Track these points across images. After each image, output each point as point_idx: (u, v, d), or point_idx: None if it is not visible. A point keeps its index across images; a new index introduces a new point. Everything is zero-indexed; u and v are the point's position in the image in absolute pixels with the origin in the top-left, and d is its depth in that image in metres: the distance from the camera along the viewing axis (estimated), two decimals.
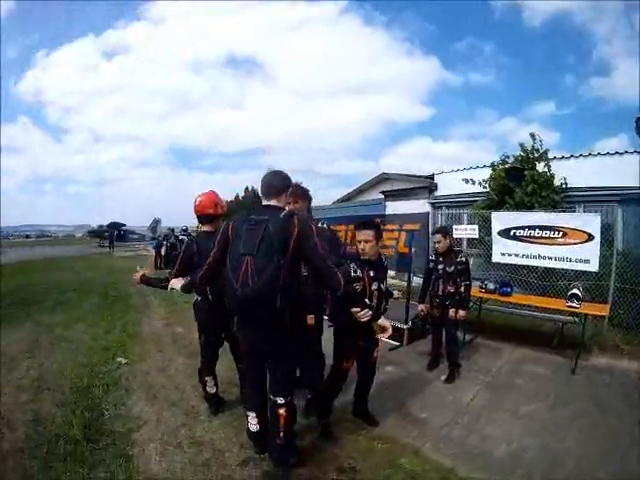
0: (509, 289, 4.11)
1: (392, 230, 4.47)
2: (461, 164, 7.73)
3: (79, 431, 2.26)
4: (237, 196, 26.30)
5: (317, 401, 2.37)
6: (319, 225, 2.61)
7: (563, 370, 3.41)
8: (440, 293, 3.29)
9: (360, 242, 2.18)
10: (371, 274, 2.19)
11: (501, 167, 6.05)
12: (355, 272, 2.14)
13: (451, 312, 3.17)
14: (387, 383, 3.09)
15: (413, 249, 4.12)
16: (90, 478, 1.90)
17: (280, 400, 1.82)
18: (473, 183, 6.64)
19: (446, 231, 3.37)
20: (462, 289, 3.22)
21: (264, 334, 1.78)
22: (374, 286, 2.20)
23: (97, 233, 27.89)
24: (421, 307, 3.45)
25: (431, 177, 8.54)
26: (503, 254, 4.78)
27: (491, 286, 4.20)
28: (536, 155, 5.72)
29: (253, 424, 1.94)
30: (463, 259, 3.24)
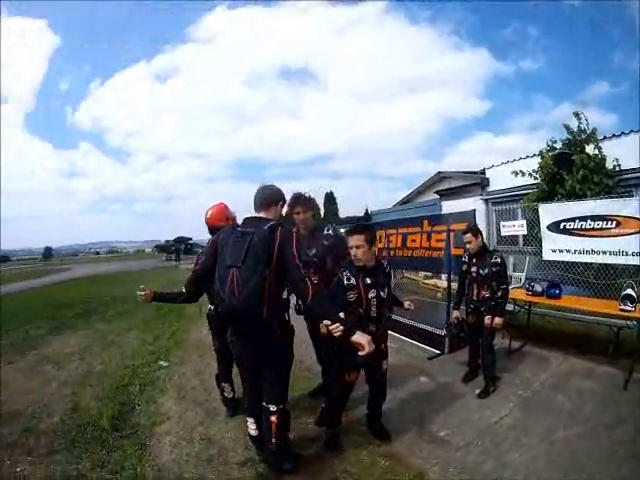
0: (558, 291, 3.58)
1: (440, 232, 4.22)
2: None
3: (108, 421, 2.54)
4: None
5: (328, 410, 2.32)
6: (326, 232, 2.57)
7: (614, 384, 2.88)
8: (475, 298, 3.02)
9: (352, 248, 2.08)
10: (367, 281, 2.08)
11: (549, 154, 5.40)
12: (349, 280, 2.05)
13: (486, 320, 2.86)
14: (416, 395, 2.90)
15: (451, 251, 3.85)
16: (105, 459, 2.15)
17: (272, 407, 1.85)
18: (523, 175, 6.04)
19: (476, 230, 3.08)
20: (499, 293, 2.89)
21: (253, 345, 1.82)
22: (372, 294, 2.08)
23: (163, 248, 30.84)
24: (456, 314, 3.18)
25: (482, 172, 7.94)
26: (554, 250, 4.21)
27: (538, 288, 3.70)
28: (583, 137, 5.00)
29: (252, 429, 2.01)
30: (498, 260, 2.91)
